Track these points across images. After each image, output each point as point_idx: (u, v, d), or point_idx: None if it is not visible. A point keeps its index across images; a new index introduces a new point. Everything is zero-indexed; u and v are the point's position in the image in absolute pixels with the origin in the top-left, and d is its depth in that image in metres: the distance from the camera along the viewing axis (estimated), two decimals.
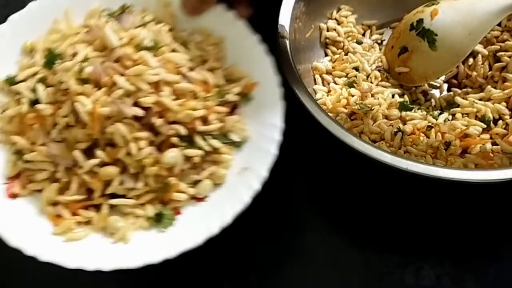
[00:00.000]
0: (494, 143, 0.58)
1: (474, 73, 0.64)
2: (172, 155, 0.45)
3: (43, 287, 0.54)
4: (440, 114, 0.61)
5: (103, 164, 0.45)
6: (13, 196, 0.46)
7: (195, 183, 0.47)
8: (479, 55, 0.64)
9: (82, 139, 0.45)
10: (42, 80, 0.47)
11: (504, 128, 0.59)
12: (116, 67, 0.45)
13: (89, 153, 0.45)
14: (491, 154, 0.57)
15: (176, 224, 0.46)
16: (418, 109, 0.61)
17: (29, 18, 0.51)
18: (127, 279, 0.53)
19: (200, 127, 0.47)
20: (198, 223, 0.45)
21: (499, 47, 0.65)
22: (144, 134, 0.44)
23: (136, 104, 0.44)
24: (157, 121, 0.44)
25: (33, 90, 0.47)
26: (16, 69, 0.50)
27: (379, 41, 0.69)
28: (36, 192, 0.47)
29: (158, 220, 0.46)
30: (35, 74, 0.48)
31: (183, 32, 0.53)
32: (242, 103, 0.51)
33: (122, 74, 0.45)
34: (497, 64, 0.64)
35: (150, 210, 0.46)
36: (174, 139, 0.45)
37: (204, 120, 0.47)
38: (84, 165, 0.44)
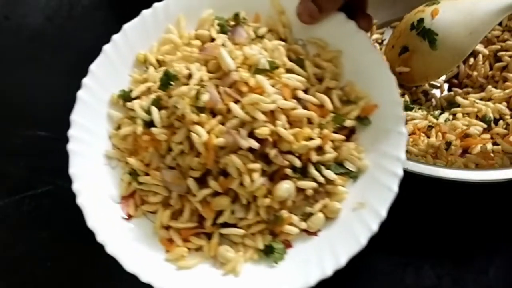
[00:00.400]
0: (494, 143, 0.58)
1: (475, 73, 0.64)
2: (285, 188, 0.43)
3: None
4: (440, 114, 0.61)
5: (215, 193, 0.44)
6: (128, 217, 0.46)
7: (307, 215, 0.45)
8: (480, 55, 0.64)
9: (196, 167, 0.44)
10: (157, 101, 0.45)
11: (505, 128, 0.59)
12: (231, 93, 0.43)
13: (201, 180, 0.44)
14: (491, 154, 0.57)
15: (287, 258, 0.44)
16: (419, 109, 0.61)
17: (142, 27, 0.50)
18: None
19: (315, 157, 0.44)
20: (310, 261, 0.43)
21: (499, 46, 0.65)
22: (258, 166, 0.42)
23: (251, 133, 0.42)
24: (272, 152, 0.43)
25: (148, 112, 0.46)
26: (129, 82, 0.49)
27: (379, 41, 0.69)
28: (148, 212, 0.47)
29: (268, 252, 0.45)
30: (149, 90, 0.48)
31: (297, 43, 0.49)
32: (359, 127, 0.47)
33: (237, 100, 0.43)
34: (497, 64, 0.64)
35: (260, 242, 0.45)
36: (288, 171, 0.43)
37: (319, 148, 0.44)
38: (197, 194, 0.44)
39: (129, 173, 0.47)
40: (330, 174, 0.44)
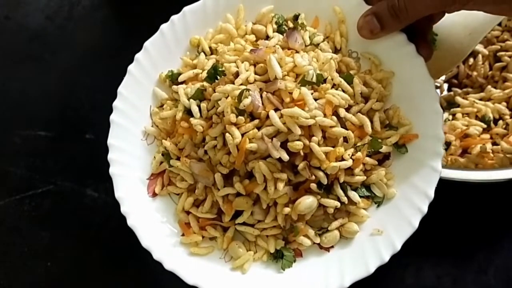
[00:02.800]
0: (494, 143, 0.58)
1: (475, 73, 0.64)
2: (308, 204, 0.43)
3: None
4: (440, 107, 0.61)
5: (238, 193, 0.45)
6: (154, 194, 0.48)
7: (323, 230, 0.45)
8: (480, 55, 0.64)
9: (225, 164, 0.44)
10: (201, 92, 0.46)
11: (505, 128, 0.59)
12: (273, 101, 0.43)
13: (228, 176, 0.45)
14: (491, 154, 0.57)
15: (295, 267, 0.45)
16: None
17: (202, 13, 0.50)
18: None
19: (343, 178, 0.44)
20: (317, 275, 0.43)
21: (499, 47, 0.65)
22: (284, 175, 0.43)
23: (283, 143, 0.42)
24: (301, 165, 0.43)
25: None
26: (179, 64, 0.51)
27: None
28: (173, 194, 0.48)
29: (277, 257, 0.45)
30: (196, 76, 0.48)
31: (351, 55, 0.49)
32: (395, 153, 0.46)
33: (277, 108, 0.43)
34: (497, 64, 0.64)
35: (272, 246, 0.45)
36: (313, 186, 0.43)
37: (349, 168, 0.44)
38: (220, 190, 0.45)
39: (162, 153, 0.48)
40: (355, 196, 0.44)
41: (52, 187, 0.65)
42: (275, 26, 0.49)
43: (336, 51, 0.49)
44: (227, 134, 0.43)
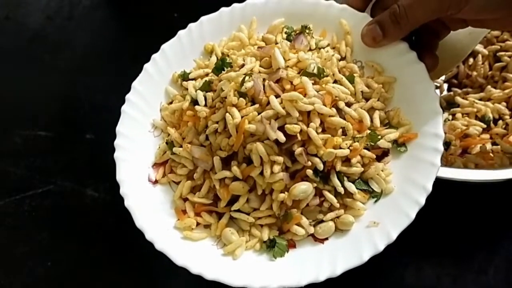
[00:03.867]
0: (494, 143, 0.58)
1: (474, 73, 0.64)
2: (302, 189, 0.43)
3: None
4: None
5: (235, 178, 0.45)
6: (154, 182, 0.49)
7: (318, 221, 0.45)
8: (479, 55, 0.64)
9: (224, 147, 0.45)
10: (208, 84, 0.48)
11: (504, 128, 0.59)
12: (274, 88, 0.44)
13: (226, 161, 0.46)
14: (491, 154, 0.57)
15: (287, 256, 0.45)
16: None
17: (218, 21, 0.53)
18: None
19: (339, 167, 0.44)
20: (309, 264, 0.43)
21: (499, 47, 0.65)
22: (280, 159, 0.43)
23: (282, 128, 0.43)
24: (297, 150, 0.43)
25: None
26: (192, 67, 0.53)
27: None
28: (173, 182, 0.50)
29: (270, 246, 0.45)
30: (206, 74, 0.51)
31: (355, 63, 0.50)
32: (393, 152, 0.46)
33: (278, 95, 0.44)
34: (497, 64, 0.64)
35: (266, 234, 0.45)
36: (309, 172, 0.43)
37: (347, 159, 0.45)
38: (218, 173, 0.45)
39: (166, 141, 0.50)
40: (351, 186, 0.44)
41: (52, 187, 0.65)
42: (284, 36, 0.52)
43: (341, 59, 0.50)
44: (227, 115, 0.44)
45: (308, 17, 0.52)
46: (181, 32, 0.53)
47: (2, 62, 0.78)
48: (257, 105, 0.44)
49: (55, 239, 0.62)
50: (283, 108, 0.43)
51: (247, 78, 0.44)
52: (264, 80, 0.45)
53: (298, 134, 0.43)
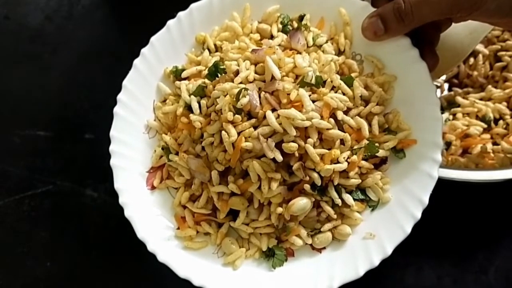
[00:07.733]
0: (494, 143, 0.58)
1: (475, 73, 0.64)
2: (301, 205, 0.43)
3: None
4: (441, 113, 0.61)
5: (233, 193, 0.45)
6: (153, 187, 0.48)
7: (315, 231, 0.45)
8: (480, 55, 0.64)
9: (221, 161, 0.45)
10: (202, 88, 0.46)
11: (505, 128, 0.59)
12: (271, 101, 0.43)
13: (224, 173, 0.45)
14: (491, 154, 0.57)
15: (286, 266, 0.45)
16: None
17: (208, 10, 0.50)
18: None
19: (337, 180, 0.44)
20: (307, 275, 0.44)
21: (500, 46, 0.65)
22: (278, 175, 0.43)
23: (279, 144, 0.43)
24: (295, 165, 0.43)
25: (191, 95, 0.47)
26: (184, 60, 0.51)
27: None
28: (171, 188, 0.49)
29: (269, 255, 0.45)
30: (199, 73, 0.49)
31: (354, 57, 0.49)
32: (392, 158, 0.45)
33: (274, 109, 0.43)
34: (498, 64, 0.64)
35: (265, 244, 0.45)
36: (307, 187, 0.43)
37: (345, 170, 0.44)
38: (215, 187, 0.45)
39: (162, 147, 0.48)
40: (349, 199, 0.44)
41: (52, 187, 0.65)
42: (280, 26, 0.50)
43: (339, 53, 0.49)
44: (223, 132, 0.43)
45: (305, 4, 0.49)
46: (170, 23, 0.50)
47: (1, 62, 0.78)
48: (253, 120, 0.43)
49: (55, 239, 0.62)
50: (280, 124, 0.42)
51: (242, 92, 0.43)
52: (260, 89, 0.44)
53: (295, 151, 0.42)
